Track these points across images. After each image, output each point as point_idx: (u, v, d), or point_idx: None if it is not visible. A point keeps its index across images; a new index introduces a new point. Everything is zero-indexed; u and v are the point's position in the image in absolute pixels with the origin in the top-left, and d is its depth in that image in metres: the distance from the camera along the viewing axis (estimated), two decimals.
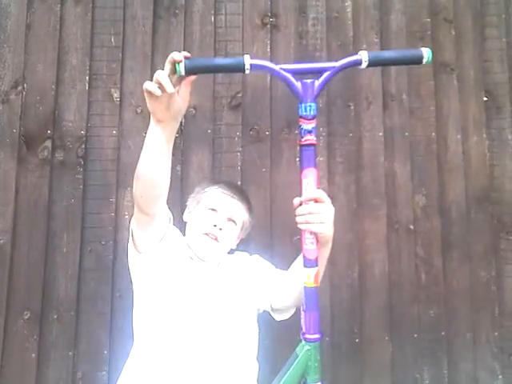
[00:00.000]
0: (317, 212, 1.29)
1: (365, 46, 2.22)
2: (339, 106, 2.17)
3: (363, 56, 1.26)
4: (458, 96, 2.24)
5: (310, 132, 1.26)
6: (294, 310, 1.67)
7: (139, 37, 2.12)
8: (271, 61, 2.08)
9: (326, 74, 1.27)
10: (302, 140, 1.27)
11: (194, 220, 1.66)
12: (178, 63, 1.20)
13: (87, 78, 2.07)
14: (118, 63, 2.10)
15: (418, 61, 1.28)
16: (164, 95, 1.21)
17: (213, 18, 2.17)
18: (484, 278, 2.14)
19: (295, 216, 1.31)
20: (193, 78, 1.25)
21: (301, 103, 1.26)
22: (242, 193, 1.74)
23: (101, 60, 2.09)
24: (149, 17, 2.13)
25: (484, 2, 2.31)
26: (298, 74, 1.28)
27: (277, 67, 1.28)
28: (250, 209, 1.73)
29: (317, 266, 1.28)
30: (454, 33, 2.28)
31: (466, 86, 2.26)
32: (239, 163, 2.10)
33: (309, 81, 1.26)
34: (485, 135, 2.22)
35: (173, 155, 1.97)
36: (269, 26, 2.18)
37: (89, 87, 2.07)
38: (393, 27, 2.26)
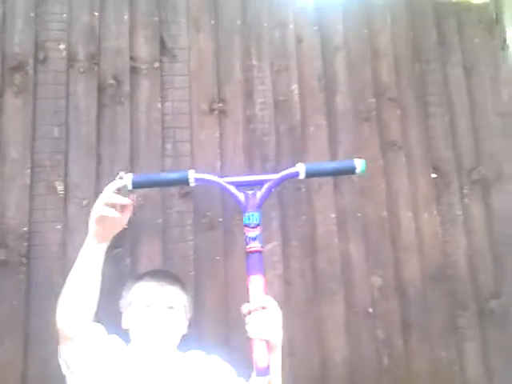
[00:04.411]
0: (266, 319, 1.32)
1: (312, 128, 2.23)
2: (290, 189, 2.15)
3: (300, 169, 1.43)
4: (407, 173, 2.27)
5: (254, 239, 1.33)
6: None
7: (83, 127, 2.05)
8: (220, 148, 2.11)
9: (266, 186, 1.39)
10: (248, 248, 1.34)
11: (134, 324, 1.59)
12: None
13: (29, 171, 1.98)
14: (62, 155, 2.02)
15: (351, 171, 1.44)
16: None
17: (160, 105, 2.13)
18: (445, 358, 2.10)
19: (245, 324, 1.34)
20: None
21: (244, 213, 1.35)
22: (168, 276, 1.69)
23: (43, 152, 2.01)
24: (93, 106, 2.08)
25: (424, 82, 2.39)
26: (240, 186, 1.39)
27: (221, 180, 1.40)
28: (183, 288, 1.68)
29: (269, 373, 1.30)
30: (398, 112, 2.33)
31: (414, 163, 2.30)
32: (192, 252, 2.03)
33: (250, 192, 1.36)
34: (435, 212, 2.25)
35: (121, 247, 1.96)
36: (216, 111, 2.17)
37: (31, 181, 1.98)
38: (339, 108, 2.29)
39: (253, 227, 1.32)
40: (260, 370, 1.28)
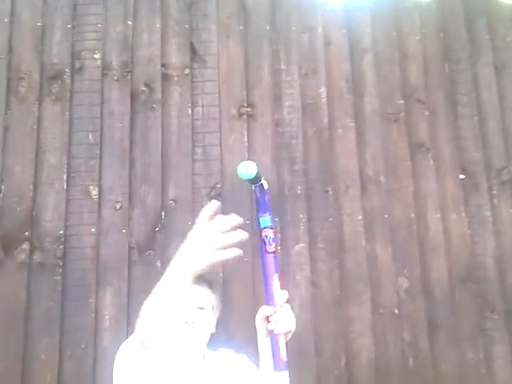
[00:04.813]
0: (290, 312, 1.36)
1: (340, 130, 2.26)
2: (317, 192, 2.19)
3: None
4: (435, 175, 2.27)
5: (274, 240, 1.36)
6: None
7: (117, 132, 2.14)
8: (249, 152, 2.15)
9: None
10: (270, 248, 1.34)
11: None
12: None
13: (65, 176, 2.07)
14: (97, 160, 2.10)
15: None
16: None
17: (190, 111, 2.20)
18: (472, 360, 2.11)
19: (269, 322, 1.35)
20: None
21: (265, 215, 1.35)
22: (196, 276, 1.71)
23: (79, 157, 2.10)
24: (126, 112, 2.15)
25: (454, 82, 2.37)
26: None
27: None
28: (211, 287, 1.68)
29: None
30: (427, 113, 2.33)
31: (442, 164, 2.29)
32: None
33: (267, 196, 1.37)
34: (464, 213, 2.24)
35: (152, 250, 2.03)
36: (245, 115, 2.22)
37: (67, 185, 2.06)
38: (367, 110, 2.30)
39: (272, 228, 1.35)
40: (284, 363, 1.31)
